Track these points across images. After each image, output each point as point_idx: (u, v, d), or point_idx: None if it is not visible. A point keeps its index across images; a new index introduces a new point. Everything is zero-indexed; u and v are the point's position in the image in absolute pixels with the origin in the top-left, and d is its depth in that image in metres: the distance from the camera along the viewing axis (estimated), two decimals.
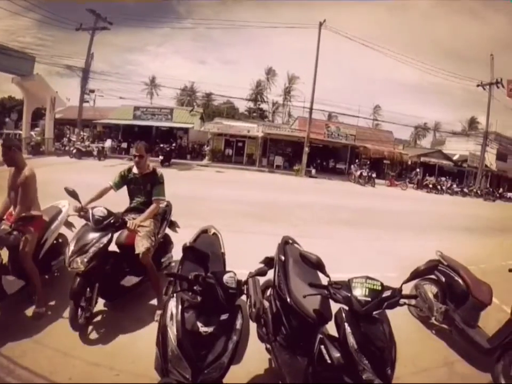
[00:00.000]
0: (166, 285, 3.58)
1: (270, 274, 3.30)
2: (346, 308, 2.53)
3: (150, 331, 3.55)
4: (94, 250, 3.73)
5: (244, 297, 2.63)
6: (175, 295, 2.60)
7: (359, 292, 2.48)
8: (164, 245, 5.15)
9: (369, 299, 2.44)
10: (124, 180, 4.79)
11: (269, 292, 3.74)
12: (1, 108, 68.81)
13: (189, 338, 2.31)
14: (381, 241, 8.69)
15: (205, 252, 2.90)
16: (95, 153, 26.31)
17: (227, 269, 3.28)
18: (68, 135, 32.85)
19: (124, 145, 31.60)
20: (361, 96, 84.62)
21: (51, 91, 30.45)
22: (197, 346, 2.30)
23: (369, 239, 8.78)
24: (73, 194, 4.22)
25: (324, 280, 2.75)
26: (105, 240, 3.88)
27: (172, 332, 2.35)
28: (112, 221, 4.02)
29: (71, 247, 3.74)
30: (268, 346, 3.33)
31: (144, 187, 4.73)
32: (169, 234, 5.40)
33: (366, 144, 31.86)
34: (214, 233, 4.17)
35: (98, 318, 4.19)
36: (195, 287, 2.46)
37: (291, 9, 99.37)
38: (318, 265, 2.69)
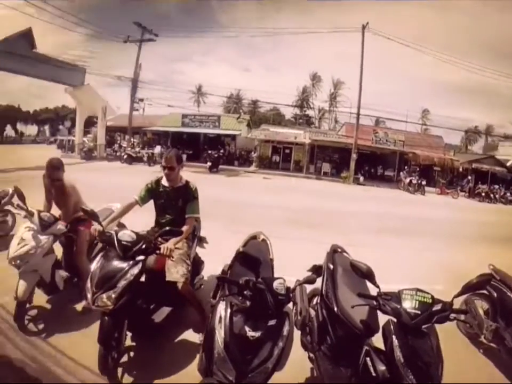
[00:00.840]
0: (214, 289, 3.76)
1: (317, 282, 3.26)
2: (395, 320, 2.49)
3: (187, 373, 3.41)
4: (124, 284, 3.12)
5: (290, 304, 2.65)
6: (224, 298, 2.67)
7: (408, 304, 2.44)
8: (194, 265, 4.44)
9: (419, 312, 2.39)
10: (151, 193, 4.29)
11: (315, 300, 3.71)
12: (55, 116, 73.53)
13: (236, 341, 2.36)
14: (431, 252, 8.38)
15: (257, 257, 2.90)
16: (145, 159, 27.66)
17: (274, 275, 3.30)
18: (118, 142, 34.88)
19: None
20: (409, 100, 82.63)
21: (102, 100, 32.65)
22: (243, 350, 2.34)
23: (418, 249, 8.51)
24: (91, 215, 3.70)
25: (373, 291, 2.73)
26: (135, 270, 3.26)
27: (220, 334, 2.42)
28: (143, 247, 3.40)
29: (94, 280, 3.14)
30: (311, 355, 3.31)
31: (175, 202, 4.22)
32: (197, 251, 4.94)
33: (415, 150, 30.55)
34: (263, 240, 4.14)
35: (127, 356, 3.70)
36: (245, 292, 2.51)
37: (332, 13, 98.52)
38: (368, 275, 2.66)
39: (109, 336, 3.12)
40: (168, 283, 3.69)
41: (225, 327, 2.41)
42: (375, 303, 2.60)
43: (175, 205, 4.21)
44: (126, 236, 3.33)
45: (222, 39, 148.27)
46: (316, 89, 64.35)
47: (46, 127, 79.57)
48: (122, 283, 3.10)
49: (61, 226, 4.39)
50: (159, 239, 3.65)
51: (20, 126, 76.94)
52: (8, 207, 7.20)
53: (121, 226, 5.14)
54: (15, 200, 6.26)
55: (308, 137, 30.72)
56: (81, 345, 3.12)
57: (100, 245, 4.90)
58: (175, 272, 3.72)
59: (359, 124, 28.71)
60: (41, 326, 4.17)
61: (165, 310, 3.95)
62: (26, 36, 26.98)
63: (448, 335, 2.55)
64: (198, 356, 3.13)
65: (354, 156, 27.56)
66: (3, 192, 7.25)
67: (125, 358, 3.56)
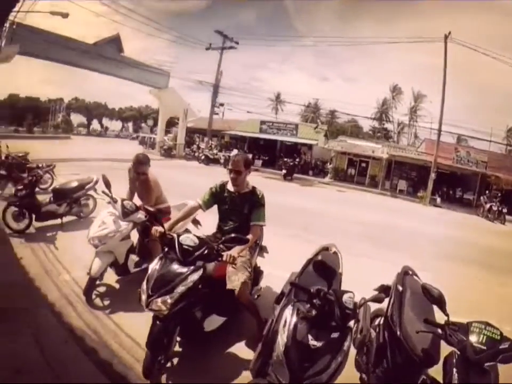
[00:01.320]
0: (278, 294, 3.71)
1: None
2: (458, 352, 2.33)
3: None
4: (182, 290, 2.95)
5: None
6: (291, 304, 2.67)
7: (475, 338, 2.28)
8: (254, 275, 4.20)
9: (485, 348, 2.22)
10: (215, 198, 4.13)
11: (377, 320, 3.60)
12: (139, 114, 78.14)
13: (296, 348, 2.35)
14: (507, 288, 7.93)
15: (333, 268, 2.85)
16: (221, 161, 28.46)
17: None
18: (197, 143, 36.47)
19: (249, 156, 32.21)
20: (494, 116, 76.49)
21: (184, 103, 34.46)
22: (302, 357, 2.32)
23: (494, 284, 8.04)
24: (153, 215, 3.79)
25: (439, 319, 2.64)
26: (195, 276, 3.08)
27: (282, 338, 2.42)
28: (205, 253, 3.23)
29: (150, 282, 3.01)
30: (364, 376, 3.22)
31: (240, 209, 4.04)
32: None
33: (498, 173, 28.23)
34: (334, 252, 4.06)
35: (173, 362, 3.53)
36: (314, 301, 2.50)
37: (413, 22, 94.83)
38: (439, 301, 2.53)
39: (159, 342, 3.02)
40: (226, 292, 3.55)
41: (289, 332, 2.41)
42: (441, 331, 2.47)
43: (240, 212, 4.04)
44: (188, 240, 3.19)
45: (300, 48, 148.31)
46: (395, 102, 61.46)
47: (130, 124, 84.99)
48: (180, 288, 2.95)
49: (140, 215, 4.73)
50: (222, 245, 3.52)
51: (105, 121, 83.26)
52: (91, 192, 8.03)
53: (196, 223, 5.50)
54: (98, 186, 7.02)
55: (386, 152, 29.54)
56: (141, 326, 3.19)
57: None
58: (236, 280, 3.57)
59: (439, 140, 26.94)
60: (106, 303, 4.55)
61: (217, 319, 3.70)
62: (115, 41, 30.29)
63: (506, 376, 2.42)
64: (243, 371, 3.24)
65: (433, 175, 25.83)
66: (88, 178, 8.06)
67: (170, 363, 3.41)
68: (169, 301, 2.87)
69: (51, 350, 3.26)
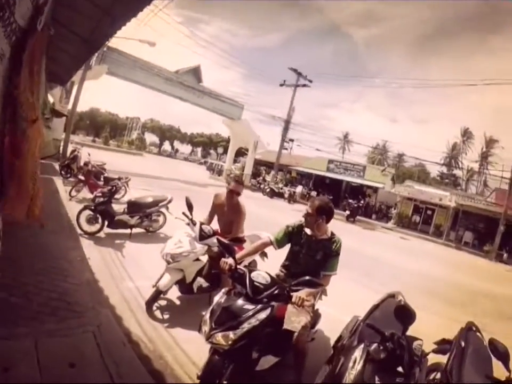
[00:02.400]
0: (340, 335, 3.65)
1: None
2: None
3: None
4: (247, 328, 2.82)
5: None
6: (361, 345, 2.65)
7: None
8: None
9: None
10: (290, 237, 3.93)
11: (433, 375, 3.50)
12: (209, 141, 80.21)
13: None
14: None
15: (413, 314, 2.75)
16: (286, 195, 28.77)
17: None
18: (263, 175, 36.47)
19: (314, 193, 32.22)
20: None
21: (255, 135, 35.77)
22: None
23: None
24: (226, 247, 3.64)
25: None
26: (263, 315, 2.93)
27: (349, 377, 2.42)
28: (275, 292, 3.07)
29: (214, 315, 2.91)
30: None
31: (314, 254, 3.83)
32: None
33: None
34: (400, 300, 3.89)
35: None
36: (387, 344, 2.49)
37: (486, 62, 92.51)
38: (504, 356, 2.53)
39: (213, 376, 2.85)
40: (285, 332, 3.36)
41: (357, 372, 2.41)
42: None
43: (313, 257, 3.82)
44: (260, 277, 3.08)
45: (371, 88, 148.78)
46: (466, 147, 59.16)
47: (199, 149, 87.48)
48: (246, 326, 2.82)
49: (216, 240, 4.79)
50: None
51: (176, 144, 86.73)
52: (163, 210, 8.32)
53: (264, 255, 5.52)
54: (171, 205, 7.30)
55: (454, 201, 28.18)
56: (197, 344, 3.18)
57: (242, 264, 5.18)
58: (296, 322, 3.36)
59: (511, 190, 24.65)
60: (166, 316, 4.66)
61: (270, 359, 3.44)
62: (195, 71, 32.27)
63: None
64: None
65: (501, 228, 23.89)
66: (163, 196, 8.44)
67: None
68: (232, 336, 2.75)
69: (108, 350, 3.36)
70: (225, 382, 2.87)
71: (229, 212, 5.16)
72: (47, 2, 3.67)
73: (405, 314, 2.62)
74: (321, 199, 3.91)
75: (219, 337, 2.75)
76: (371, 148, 58.83)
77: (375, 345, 2.57)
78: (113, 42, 20.84)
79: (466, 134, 59.09)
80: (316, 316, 4.21)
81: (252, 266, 5.33)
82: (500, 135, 56.33)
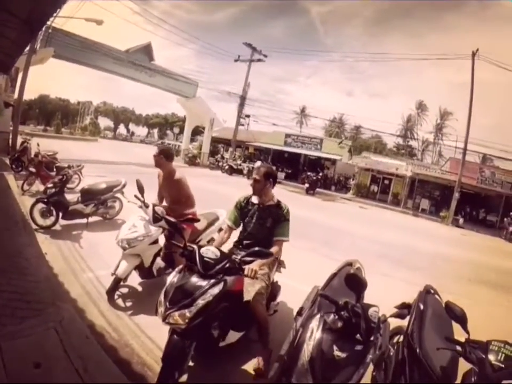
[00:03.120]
0: (300, 307, 3.62)
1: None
2: (477, 370, 2.32)
3: None
4: (201, 304, 2.82)
5: None
6: (318, 315, 2.71)
7: (494, 357, 2.27)
8: (271, 289, 4.13)
9: (503, 365, 2.22)
10: (241, 211, 4.10)
11: (396, 338, 3.61)
12: (165, 122, 79.16)
13: (321, 358, 2.39)
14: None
15: (364, 282, 2.81)
16: (245, 171, 28.66)
17: None
18: (221, 153, 36.54)
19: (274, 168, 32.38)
20: None
21: (211, 112, 35.09)
22: (326, 367, 2.36)
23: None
24: (173, 225, 3.74)
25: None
26: (216, 290, 2.93)
27: (308, 348, 2.47)
28: (226, 266, 3.13)
29: (168, 295, 2.90)
30: None
31: (263, 222, 3.95)
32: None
33: None
34: (358, 268, 4.02)
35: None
36: (342, 313, 2.54)
37: (442, 38, 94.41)
38: (461, 319, 2.57)
39: (175, 356, 2.85)
40: (244, 306, 3.43)
41: (315, 342, 2.46)
42: (460, 349, 2.47)
43: (262, 225, 3.94)
44: (209, 252, 3.09)
45: (327, 63, 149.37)
46: (421, 119, 61.05)
47: (155, 131, 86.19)
48: (199, 302, 2.82)
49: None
50: (237, 253, 3.50)
51: (131, 126, 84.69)
52: (118, 195, 8.13)
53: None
54: (125, 190, 7.20)
55: (410, 170, 29.00)
56: (163, 329, 3.19)
57: (201, 243, 5.22)
58: (252, 291, 3.47)
59: (465, 160, 26.15)
60: (128, 304, 4.63)
61: (233, 334, 3.52)
62: (146, 49, 31.14)
63: None
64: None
65: (456, 194, 25.21)
66: (117, 181, 8.23)
67: (183, 378, 3.16)
68: (187, 314, 2.75)
69: (72, 345, 3.30)
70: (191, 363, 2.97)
71: (169, 188, 5.07)
72: None
73: (355, 283, 2.68)
74: (265, 165, 4.14)
75: (176, 316, 2.75)
76: (328, 121, 59.44)
77: (331, 315, 2.62)
78: (58, 23, 19.89)
79: (421, 107, 60.63)
80: (275, 288, 4.36)
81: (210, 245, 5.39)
82: (454, 108, 58.31)
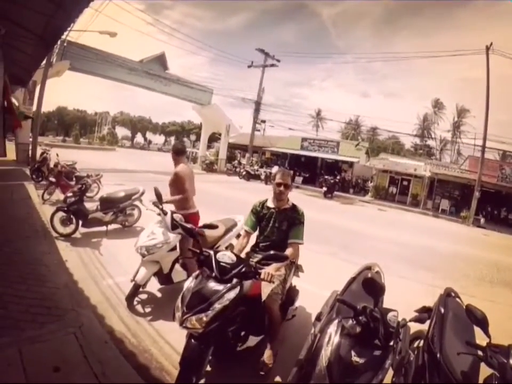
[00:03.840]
0: (319, 311, 3.64)
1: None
2: (498, 375, 2.28)
3: None
4: (218, 308, 2.83)
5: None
6: (336, 320, 2.68)
7: None
8: (289, 294, 4.15)
9: None
10: (258, 216, 4.11)
11: (416, 342, 3.58)
12: (181, 129, 79.96)
13: (339, 363, 2.36)
14: None
15: (381, 286, 2.77)
16: (262, 177, 28.80)
17: None
18: (238, 158, 36.75)
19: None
20: None
21: (226, 119, 35.27)
22: (344, 373, 2.33)
23: None
24: (188, 231, 3.76)
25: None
26: (232, 295, 2.94)
27: (326, 353, 2.44)
28: (242, 270, 3.11)
29: (185, 300, 2.92)
30: None
31: (279, 225, 3.98)
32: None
33: None
34: (377, 272, 3.98)
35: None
36: (360, 318, 2.52)
37: (451, 36, 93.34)
38: (482, 323, 2.50)
39: (193, 360, 2.86)
40: (261, 310, 3.46)
41: (333, 347, 2.44)
42: (481, 353, 2.42)
43: (278, 228, 3.98)
44: (225, 257, 3.10)
45: (340, 65, 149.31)
46: (437, 117, 59.82)
47: (172, 138, 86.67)
48: (216, 307, 2.82)
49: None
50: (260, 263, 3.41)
51: (149, 135, 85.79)
52: (136, 203, 8.25)
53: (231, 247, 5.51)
54: (144, 197, 7.27)
55: (428, 170, 28.65)
56: (182, 334, 3.17)
57: (219, 249, 5.24)
58: (268, 291, 3.50)
59: (484, 157, 25.40)
60: (148, 310, 4.67)
61: (251, 339, 3.48)
62: (160, 59, 31.64)
63: None
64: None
65: (476, 193, 24.50)
66: (135, 189, 8.35)
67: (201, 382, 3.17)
68: (204, 319, 2.76)
69: (91, 350, 3.35)
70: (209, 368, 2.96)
71: (170, 182, 5.24)
72: None
73: (373, 287, 2.65)
74: (284, 169, 4.15)
75: (193, 321, 2.76)
76: (344, 123, 59.07)
77: (349, 319, 2.60)
78: (73, 36, 20.43)
79: (437, 105, 59.65)
80: (293, 293, 4.33)
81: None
82: (471, 105, 56.74)
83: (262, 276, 3.16)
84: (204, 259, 3.14)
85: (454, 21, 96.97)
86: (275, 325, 3.56)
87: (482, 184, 25.18)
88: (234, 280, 3.02)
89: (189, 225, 3.92)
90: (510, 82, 60.70)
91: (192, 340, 2.88)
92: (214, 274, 3.00)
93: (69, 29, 7.30)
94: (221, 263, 3.03)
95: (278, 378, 3.55)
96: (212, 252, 3.15)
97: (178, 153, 5.26)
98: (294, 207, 4.04)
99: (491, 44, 23.80)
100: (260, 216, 4.09)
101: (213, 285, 2.95)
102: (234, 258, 3.11)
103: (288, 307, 4.08)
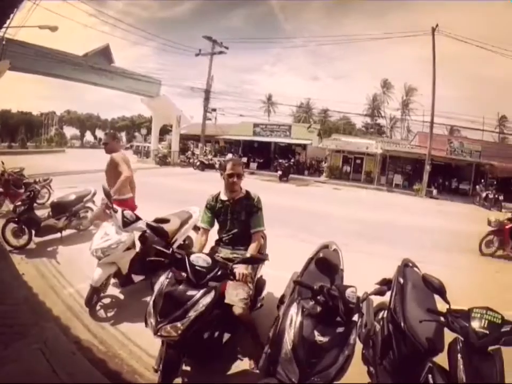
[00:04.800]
0: (282, 295, 3.73)
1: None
2: (462, 339, 2.40)
3: None
4: (194, 315, 2.71)
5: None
6: (296, 302, 2.70)
7: (477, 324, 2.35)
8: (257, 285, 4.07)
9: (487, 332, 2.29)
10: (213, 212, 3.95)
11: (381, 314, 3.66)
12: (131, 124, 78.27)
13: (303, 344, 2.39)
14: (506, 275, 7.88)
15: (335, 264, 2.82)
16: (217, 166, 28.52)
17: None
18: (191, 149, 36.39)
19: (244, 159, 32.39)
20: (485, 106, 74.37)
21: (176, 110, 34.69)
22: (310, 353, 2.36)
23: (492, 271, 8.02)
24: (155, 229, 3.73)
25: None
26: (208, 299, 2.82)
27: (289, 336, 2.47)
28: (218, 273, 2.95)
29: (157, 306, 2.78)
30: (372, 369, 3.24)
31: (237, 216, 3.86)
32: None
33: (493, 162, 27.30)
34: (334, 249, 4.04)
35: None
36: (318, 297, 2.54)
37: (401, 16, 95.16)
38: (439, 290, 2.60)
39: (169, 367, 2.84)
40: (228, 307, 3.28)
41: (295, 329, 2.46)
42: (443, 319, 2.53)
43: (237, 219, 3.85)
44: (200, 260, 2.88)
45: (290, 49, 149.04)
46: (386, 97, 61.66)
47: (123, 134, 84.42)
48: (192, 314, 2.71)
49: (141, 224, 4.73)
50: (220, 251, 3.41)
51: (98, 133, 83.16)
52: (89, 205, 8.05)
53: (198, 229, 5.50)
54: (96, 198, 7.14)
55: (380, 148, 29.57)
56: (149, 335, 3.15)
57: (175, 245, 5.11)
58: (234, 295, 3.31)
59: (432, 133, 26.84)
60: (111, 314, 4.58)
61: (222, 337, 3.39)
62: (105, 52, 30.46)
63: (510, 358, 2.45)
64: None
65: (427, 167, 25.87)
66: (86, 190, 8.09)
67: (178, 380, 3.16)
68: (180, 327, 2.66)
69: (59, 363, 3.25)
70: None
71: (107, 170, 5.52)
72: None
73: (326, 266, 2.71)
74: (235, 158, 3.93)
75: (167, 329, 2.67)
76: (295, 107, 59.59)
77: (308, 300, 2.63)
78: (11, 33, 19.11)
79: (386, 85, 61.28)
80: (260, 283, 4.30)
81: (186, 244, 5.38)
82: (420, 84, 59.05)
83: (237, 278, 3.04)
84: (175, 261, 2.95)
85: (401, 2, 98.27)
86: (251, 329, 3.48)
87: (433, 158, 26.54)
88: (209, 284, 2.91)
89: (155, 224, 3.89)
90: (456, 60, 62.54)
91: (170, 349, 2.82)
92: (187, 277, 2.86)
93: (5, 25, 6.93)
94: (197, 267, 2.85)
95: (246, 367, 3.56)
96: (184, 254, 2.96)
97: (107, 143, 5.45)
98: (247, 194, 3.92)
99: (437, 25, 24.96)
100: (215, 211, 3.95)
101: (186, 290, 2.82)
102: (210, 260, 2.93)
103: (256, 298, 4.01)
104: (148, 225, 3.88)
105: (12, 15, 5.60)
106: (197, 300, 2.77)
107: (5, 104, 69.76)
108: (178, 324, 2.67)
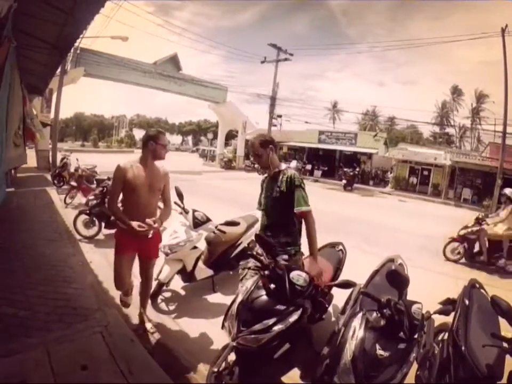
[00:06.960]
0: (343, 305, 3.68)
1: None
2: None
3: None
4: (279, 329, 2.58)
5: None
6: (360, 313, 2.67)
7: None
8: (324, 299, 3.86)
9: None
10: (261, 191, 3.66)
11: (441, 335, 3.51)
12: (198, 128, 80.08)
13: (364, 357, 2.35)
14: None
15: (406, 278, 2.72)
16: None
17: None
18: None
19: (308, 166, 32.73)
20: None
21: (243, 116, 35.74)
22: (369, 366, 2.33)
23: None
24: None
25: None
26: (295, 317, 2.66)
27: (350, 347, 2.44)
28: (312, 292, 2.86)
29: (241, 314, 2.71)
30: None
31: (271, 193, 3.44)
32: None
33: None
34: (400, 263, 3.95)
35: None
36: (384, 310, 2.50)
37: (467, 18, 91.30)
38: (507, 314, 2.48)
39: (241, 371, 2.70)
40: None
41: (357, 341, 2.43)
42: (507, 346, 2.40)
43: (270, 197, 3.44)
44: (301, 279, 2.73)
45: (354, 55, 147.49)
46: (456, 104, 58.00)
47: (189, 138, 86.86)
48: (278, 327, 2.58)
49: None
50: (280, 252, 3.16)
51: (166, 136, 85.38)
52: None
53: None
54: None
55: (449, 159, 27.89)
56: (205, 331, 3.13)
57: (240, 247, 5.41)
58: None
59: (505, 144, 24.00)
60: (172, 307, 4.76)
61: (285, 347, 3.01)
62: (173, 59, 31.90)
63: None
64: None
65: (499, 181, 23.34)
66: None
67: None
68: (264, 340, 2.54)
69: (117, 348, 3.42)
70: None
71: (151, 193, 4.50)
72: (8, 16, 3.64)
73: (397, 279, 2.62)
74: (257, 136, 3.61)
75: (248, 339, 2.57)
76: (361, 114, 58.67)
77: (373, 313, 2.59)
78: (86, 43, 20.76)
79: (456, 91, 58.01)
80: (329, 297, 4.20)
81: (250, 247, 5.43)
82: (489, 90, 54.49)
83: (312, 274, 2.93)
84: (274, 276, 2.80)
85: (468, 3, 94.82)
86: (308, 337, 3.45)
87: (505, 171, 24.21)
88: (298, 301, 2.76)
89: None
90: None
91: (242, 356, 2.72)
92: (278, 290, 2.73)
93: (81, 36, 7.40)
94: (297, 286, 2.71)
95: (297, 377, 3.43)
96: (285, 270, 2.78)
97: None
98: (284, 169, 3.45)
99: (506, 25, 22.63)
100: (262, 189, 3.65)
101: (275, 303, 2.69)
102: (308, 279, 2.78)
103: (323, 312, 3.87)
104: (256, 236, 3.33)
105: (87, 27, 5.97)
106: (285, 316, 2.65)
107: (80, 107, 73.94)
108: (260, 337, 2.56)
